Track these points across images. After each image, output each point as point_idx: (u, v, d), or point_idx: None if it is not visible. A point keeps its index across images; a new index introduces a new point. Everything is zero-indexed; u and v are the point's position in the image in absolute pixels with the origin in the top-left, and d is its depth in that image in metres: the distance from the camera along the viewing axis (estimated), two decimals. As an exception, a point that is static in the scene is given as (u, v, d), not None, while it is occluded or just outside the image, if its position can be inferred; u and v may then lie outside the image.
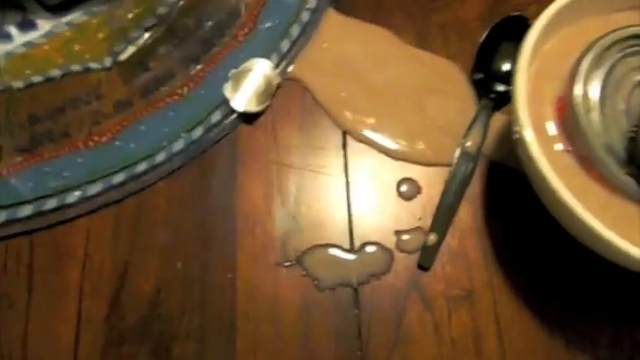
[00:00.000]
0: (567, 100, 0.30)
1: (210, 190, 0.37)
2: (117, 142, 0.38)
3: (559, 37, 0.33)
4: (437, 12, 0.42)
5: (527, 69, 0.31)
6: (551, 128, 0.31)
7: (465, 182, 0.36)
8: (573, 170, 0.30)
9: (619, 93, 0.30)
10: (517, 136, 0.30)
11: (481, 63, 0.39)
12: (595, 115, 0.30)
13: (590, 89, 0.30)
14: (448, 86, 0.39)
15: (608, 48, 0.31)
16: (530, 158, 0.29)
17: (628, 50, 0.31)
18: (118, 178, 0.37)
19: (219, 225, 0.36)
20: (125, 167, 0.37)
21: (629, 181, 0.29)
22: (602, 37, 0.31)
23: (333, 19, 0.42)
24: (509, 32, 0.40)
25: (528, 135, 0.29)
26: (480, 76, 0.39)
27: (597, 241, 0.27)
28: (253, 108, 0.38)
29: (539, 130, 0.31)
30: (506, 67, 0.39)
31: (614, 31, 0.31)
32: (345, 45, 0.41)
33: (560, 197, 0.27)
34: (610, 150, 0.29)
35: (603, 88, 0.30)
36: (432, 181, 0.37)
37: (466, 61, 0.40)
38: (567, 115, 0.30)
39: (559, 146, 0.31)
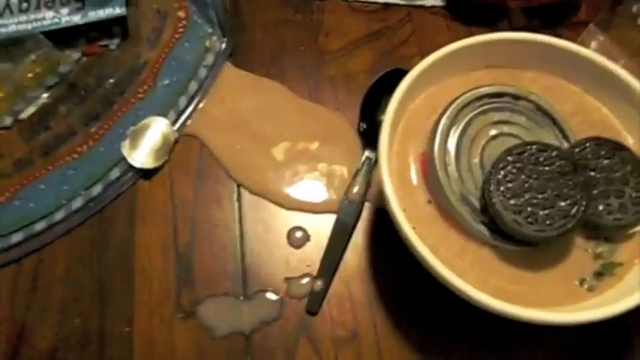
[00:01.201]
0: (428, 155, 0.33)
1: (109, 246, 0.39)
2: (16, 202, 0.39)
3: (425, 95, 0.36)
4: (327, 65, 0.45)
5: (392, 126, 0.34)
6: (416, 180, 0.34)
7: (350, 229, 0.38)
8: (434, 219, 0.33)
9: (474, 148, 0.34)
10: (382, 188, 0.32)
11: (365, 114, 0.42)
12: (452, 169, 0.33)
13: (448, 145, 0.33)
14: (336, 137, 0.42)
15: (464, 107, 0.34)
16: (390, 211, 0.31)
17: (481, 109, 0.34)
18: (17, 237, 0.38)
19: (117, 280, 0.38)
20: (24, 226, 0.38)
21: (482, 228, 0.32)
22: (458, 98, 0.34)
23: (229, 74, 0.44)
24: (393, 84, 0.42)
25: (388, 190, 0.31)
26: (364, 126, 0.42)
27: (448, 285, 0.30)
28: (150, 164, 0.40)
29: (406, 182, 0.34)
30: (385, 119, 0.42)
31: (468, 91, 0.34)
32: (241, 99, 0.43)
33: (415, 248, 0.30)
34: (466, 200, 0.32)
35: (459, 143, 0.33)
36: (320, 228, 0.39)
37: (354, 112, 0.43)
38: (428, 169, 0.33)
39: (422, 197, 0.34)
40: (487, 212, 0.32)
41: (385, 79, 0.43)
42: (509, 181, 0.31)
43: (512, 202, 0.30)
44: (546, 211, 0.30)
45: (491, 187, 0.31)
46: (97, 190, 0.39)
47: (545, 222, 0.30)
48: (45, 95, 0.43)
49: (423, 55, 0.37)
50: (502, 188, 0.31)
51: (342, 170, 0.40)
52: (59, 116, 0.42)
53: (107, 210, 0.40)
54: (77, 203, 0.39)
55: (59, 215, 0.39)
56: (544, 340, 0.36)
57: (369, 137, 0.41)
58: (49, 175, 0.40)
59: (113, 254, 0.38)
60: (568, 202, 0.30)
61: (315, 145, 0.41)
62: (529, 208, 0.30)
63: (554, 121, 0.34)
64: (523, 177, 0.31)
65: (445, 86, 0.37)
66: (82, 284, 0.37)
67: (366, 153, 0.41)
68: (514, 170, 0.31)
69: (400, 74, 0.43)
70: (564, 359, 0.35)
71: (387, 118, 0.33)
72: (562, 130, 0.34)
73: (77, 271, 0.38)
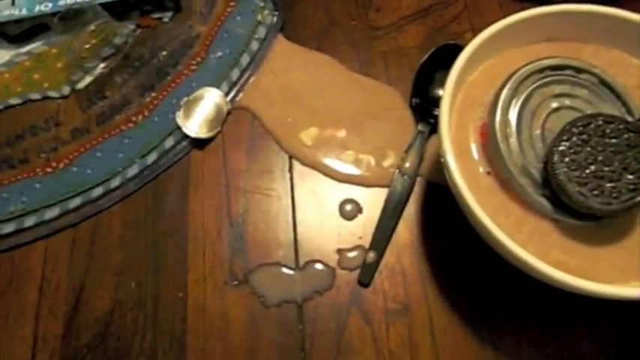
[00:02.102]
0: (489, 127, 0.33)
1: (163, 213, 0.39)
2: (74, 168, 0.40)
3: (483, 67, 0.36)
4: (379, 40, 0.45)
5: (451, 98, 0.33)
6: (475, 152, 0.34)
7: (403, 202, 0.38)
8: (493, 190, 0.33)
9: (535, 120, 0.33)
10: (442, 159, 0.32)
11: (419, 89, 0.42)
12: (513, 141, 0.32)
13: (509, 117, 0.33)
14: (388, 111, 0.41)
15: (525, 79, 0.34)
16: (451, 181, 0.31)
17: (543, 81, 0.34)
18: (75, 202, 0.39)
19: (171, 246, 0.38)
20: (81, 192, 0.39)
21: (543, 201, 0.31)
22: (519, 69, 0.34)
23: (281, 47, 0.44)
24: (446, 59, 0.42)
25: (450, 160, 0.31)
26: (417, 101, 0.42)
27: (509, 254, 0.30)
28: (204, 134, 0.40)
29: (465, 153, 0.34)
30: (442, 92, 0.41)
31: (530, 63, 0.34)
32: (292, 72, 0.43)
33: (476, 217, 0.30)
34: (526, 173, 0.32)
35: (520, 115, 0.33)
36: (372, 201, 0.39)
37: (406, 87, 0.42)
38: (489, 140, 0.33)
39: (482, 169, 0.33)
40: (548, 185, 0.31)
41: (437, 54, 0.43)
42: (574, 153, 0.30)
43: (576, 173, 0.30)
44: (613, 184, 0.29)
45: (555, 158, 0.30)
46: (151, 158, 0.40)
47: (612, 195, 0.29)
48: (101, 66, 0.44)
49: (475, 32, 0.37)
50: (566, 159, 0.30)
51: (395, 144, 0.40)
52: (115, 86, 0.43)
53: (161, 178, 0.40)
54: (132, 171, 0.40)
55: (115, 182, 0.39)
56: (601, 322, 0.35)
57: (422, 111, 0.41)
58: (106, 143, 0.41)
59: (167, 221, 0.39)
60: (636, 175, 0.29)
61: (367, 118, 0.41)
62: (595, 181, 0.30)
63: (618, 95, 0.34)
64: (588, 149, 0.30)
65: (504, 59, 0.36)
66: (138, 249, 0.38)
67: (419, 127, 0.40)
68: (579, 142, 0.30)
69: (453, 49, 0.43)
70: (624, 344, 0.35)
71: (448, 88, 0.33)
72: (625, 104, 0.33)
73: (132, 237, 0.39)
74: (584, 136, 0.30)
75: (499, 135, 0.32)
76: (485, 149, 0.34)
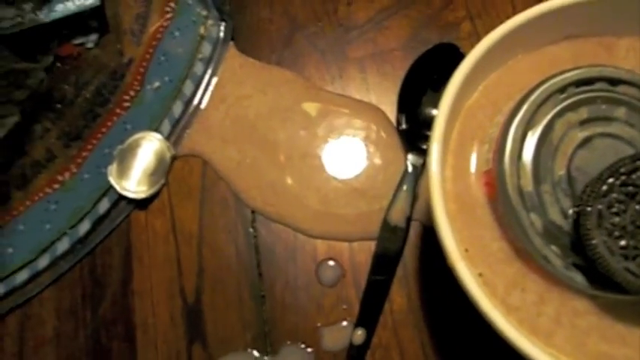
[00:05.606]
0: (496, 175, 0.25)
1: (104, 296, 0.32)
2: (-8, 249, 0.33)
3: (484, 86, 0.27)
4: (353, 44, 0.36)
5: (444, 136, 0.25)
6: (480, 207, 0.26)
7: (394, 259, 0.30)
8: (505, 258, 0.25)
9: (558, 158, 0.25)
10: (432, 221, 0.24)
11: (406, 107, 0.33)
12: (530, 193, 0.24)
13: (523, 160, 0.24)
14: (371, 138, 0.33)
15: (542, 103, 0.25)
16: (445, 256, 0.23)
17: (566, 102, 0.25)
18: (-3, 291, 0.32)
19: (115, 338, 0.31)
20: (3, 278, 0.32)
21: (574, 274, 0.23)
22: (533, 90, 0.25)
23: (232, 64, 0.35)
24: (438, 64, 0.33)
25: (443, 225, 0.23)
26: (404, 124, 0.33)
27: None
28: (144, 192, 0.33)
29: (466, 209, 0.26)
30: (434, 114, 0.33)
31: (547, 80, 0.25)
32: (247, 98, 0.35)
33: (482, 310, 0.22)
34: (550, 236, 0.24)
35: (537, 156, 0.24)
36: (357, 260, 0.31)
37: (392, 103, 0.34)
38: (497, 193, 0.25)
39: (491, 230, 0.25)
40: (581, 250, 0.23)
41: (428, 56, 0.34)
42: (616, 214, 0.22)
43: (621, 242, 0.22)
44: (673, 255, 0.21)
45: (590, 223, 0.22)
46: (84, 227, 0.33)
47: (673, 271, 0.21)
48: (15, 113, 0.36)
49: (472, 19, 0.28)
50: (606, 224, 0.22)
51: (381, 182, 0.32)
52: (35, 138, 0.35)
53: (99, 251, 0.33)
54: (63, 245, 0.33)
55: (43, 262, 0.32)
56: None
57: (411, 137, 0.33)
58: (28, 212, 0.33)
59: (109, 306, 0.32)
60: None
61: (343, 151, 0.33)
62: (648, 252, 0.21)
63: (670, 108, 0.25)
64: (637, 206, 0.22)
65: (510, 70, 0.27)
66: (76, 343, 0.32)
67: (409, 158, 0.32)
68: (622, 197, 0.22)
69: (447, 50, 0.34)
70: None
71: (439, 124, 0.25)
72: (682, 120, 0.25)
73: (69, 328, 0.32)
74: (628, 188, 0.22)
75: (510, 187, 0.24)
76: (493, 205, 0.25)
